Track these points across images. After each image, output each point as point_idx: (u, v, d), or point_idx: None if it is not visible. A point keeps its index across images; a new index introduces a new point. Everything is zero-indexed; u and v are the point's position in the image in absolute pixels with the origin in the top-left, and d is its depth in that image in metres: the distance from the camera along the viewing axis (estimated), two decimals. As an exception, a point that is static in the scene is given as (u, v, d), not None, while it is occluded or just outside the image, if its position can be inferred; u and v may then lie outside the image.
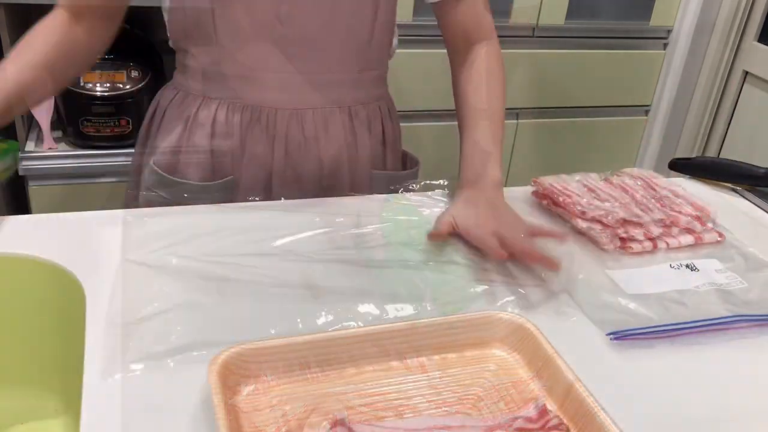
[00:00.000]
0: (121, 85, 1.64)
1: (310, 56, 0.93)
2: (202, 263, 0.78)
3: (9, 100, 0.82)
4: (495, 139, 0.94)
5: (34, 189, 1.68)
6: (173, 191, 0.95)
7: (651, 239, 0.88)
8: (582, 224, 0.88)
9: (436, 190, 0.98)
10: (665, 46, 2.26)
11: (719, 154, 2.28)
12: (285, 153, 0.96)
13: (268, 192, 0.98)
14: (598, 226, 0.86)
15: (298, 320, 0.70)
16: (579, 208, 0.89)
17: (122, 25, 1.71)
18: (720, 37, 2.18)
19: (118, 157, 1.69)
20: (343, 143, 0.98)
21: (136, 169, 1.05)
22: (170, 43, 0.99)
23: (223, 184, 0.97)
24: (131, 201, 1.04)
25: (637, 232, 0.87)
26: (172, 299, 0.72)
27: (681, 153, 2.35)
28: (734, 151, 2.22)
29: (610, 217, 0.86)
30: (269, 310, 0.72)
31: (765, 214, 1.01)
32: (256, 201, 0.93)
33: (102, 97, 1.64)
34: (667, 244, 0.88)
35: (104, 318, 0.68)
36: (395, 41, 1.02)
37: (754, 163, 1.07)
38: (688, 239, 0.89)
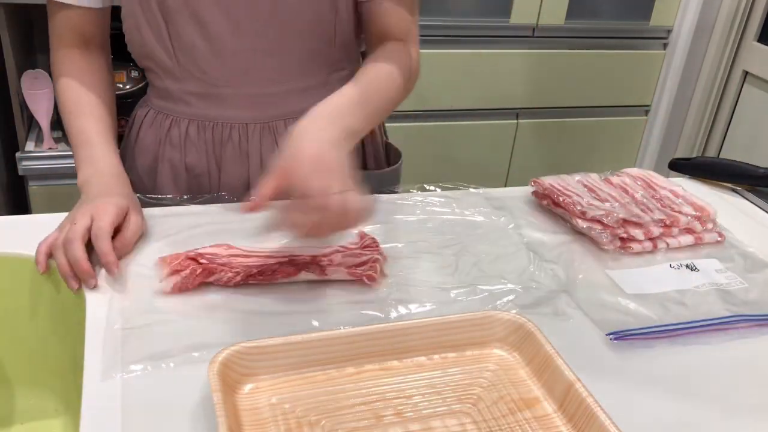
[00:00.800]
0: (121, 85, 1.64)
1: (270, 67, 0.90)
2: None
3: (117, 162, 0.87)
4: (362, 112, 0.80)
5: (34, 189, 1.68)
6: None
7: (651, 239, 0.88)
8: (582, 224, 0.88)
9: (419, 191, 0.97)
10: (665, 46, 2.26)
11: (719, 154, 2.28)
12: (260, 167, 0.93)
13: None
14: (598, 226, 0.86)
15: (298, 320, 0.70)
16: (579, 208, 0.89)
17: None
18: (720, 37, 2.18)
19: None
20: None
21: None
22: (137, 62, 0.96)
23: (200, 202, 0.92)
24: None
25: (637, 232, 0.87)
26: (172, 299, 0.72)
27: (681, 153, 2.35)
28: (734, 151, 2.22)
29: (610, 218, 0.86)
30: (270, 310, 0.72)
31: (765, 214, 1.01)
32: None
33: (102, 97, 1.64)
34: (667, 244, 0.88)
35: (104, 318, 0.68)
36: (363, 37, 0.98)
37: (754, 163, 1.07)
38: (688, 239, 0.89)
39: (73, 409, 0.78)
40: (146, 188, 0.97)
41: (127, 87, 1.65)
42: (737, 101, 2.22)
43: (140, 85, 1.65)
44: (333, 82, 0.94)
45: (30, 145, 1.68)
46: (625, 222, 0.87)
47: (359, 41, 0.98)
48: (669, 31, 2.23)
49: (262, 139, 0.93)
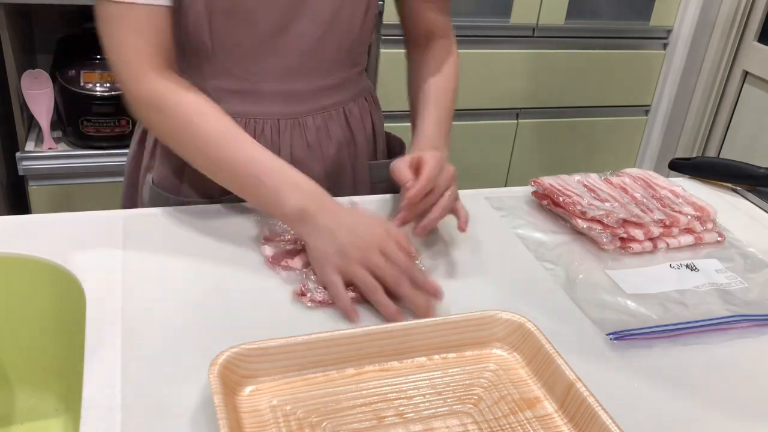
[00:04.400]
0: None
1: (308, 65, 0.92)
2: (203, 263, 0.78)
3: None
4: (444, 131, 0.95)
5: (34, 189, 1.69)
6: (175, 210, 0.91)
7: (651, 239, 0.88)
8: (582, 224, 0.88)
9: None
10: (665, 46, 2.26)
11: (719, 154, 2.28)
12: (290, 161, 0.91)
13: None
14: (598, 226, 0.86)
15: (299, 322, 0.70)
16: (579, 208, 0.89)
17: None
18: (720, 37, 2.18)
19: (118, 157, 1.69)
20: (342, 142, 0.98)
21: (131, 183, 1.01)
22: None
23: (228, 199, 0.91)
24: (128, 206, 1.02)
25: (637, 233, 0.87)
26: (173, 300, 0.72)
27: (681, 153, 2.35)
28: (734, 151, 2.23)
29: (610, 218, 0.86)
30: (270, 310, 0.72)
31: (765, 214, 1.01)
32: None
33: (102, 98, 1.64)
34: (667, 244, 0.88)
35: (104, 318, 0.68)
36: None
37: (754, 163, 1.07)
38: (688, 239, 0.89)
39: (73, 409, 0.78)
40: (173, 188, 0.94)
41: (127, 87, 1.65)
42: (737, 101, 2.22)
43: (140, 85, 1.65)
44: (353, 77, 0.99)
45: (30, 145, 1.68)
46: (625, 222, 0.87)
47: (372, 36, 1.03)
48: (669, 31, 2.23)
49: (292, 133, 0.94)
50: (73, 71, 1.64)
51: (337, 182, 0.99)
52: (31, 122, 1.74)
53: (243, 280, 0.76)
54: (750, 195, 1.05)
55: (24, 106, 1.66)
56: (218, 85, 0.90)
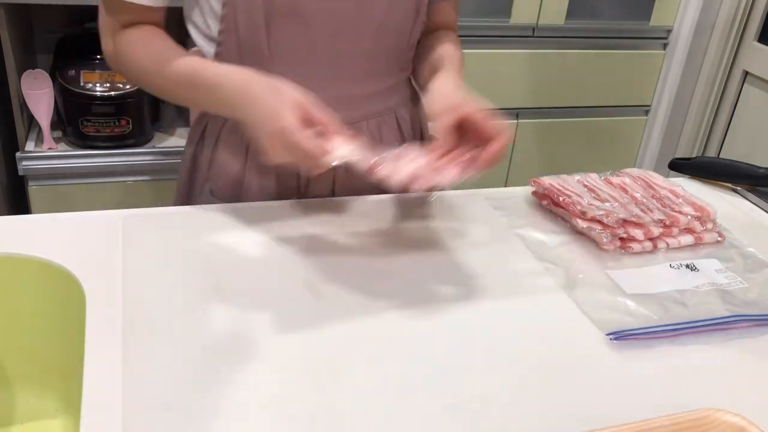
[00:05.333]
0: (121, 85, 1.64)
1: (361, 70, 0.93)
2: (203, 263, 0.78)
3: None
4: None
5: (34, 189, 1.68)
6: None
7: (651, 239, 0.88)
8: (582, 224, 0.88)
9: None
10: (665, 46, 2.26)
11: (719, 154, 2.28)
12: (347, 167, 0.94)
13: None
14: (598, 226, 0.86)
15: (300, 322, 0.70)
16: (579, 208, 0.89)
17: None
18: (720, 37, 2.18)
19: (118, 157, 1.69)
20: (395, 146, 0.98)
21: (187, 188, 1.01)
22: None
23: (287, 204, 0.93)
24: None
25: (637, 232, 0.87)
26: (173, 300, 0.72)
27: (681, 153, 2.35)
28: (734, 151, 2.22)
29: (610, 218, 0.86)
30: (271, 310, 0.72)
31: (765, 214, 1.01)
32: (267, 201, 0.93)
33: (102, 97, 1.64)
34: (667, 244, 0.88)
35: (104, 318, 0.68)
36: None
37: (754, 163, 1.07)
38: (688, 239, 0.89)
39: (73, 409, 0.78)
40: (230, 198, 0.95)
41: (127, 87, 1.65)
42: (737, 101, 2.22)
43: (140, 85, 1.65)
44: (401, 83, 1.00)
45: (30, 145, 1.68)
46: (625, 222, 0.87)
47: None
48: (669, 31, 2.23)
49: None
50: (73, 71, 1.64)
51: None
52: (31, 122, 1.74)
53: (243, 280, 0.76)
54: (750, 195, 1.05)
55: (24, 106, 1.66)
56: None
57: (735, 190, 1.07)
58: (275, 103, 0.74)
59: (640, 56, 2.23)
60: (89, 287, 0.72)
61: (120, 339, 0.65)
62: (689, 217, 0.90)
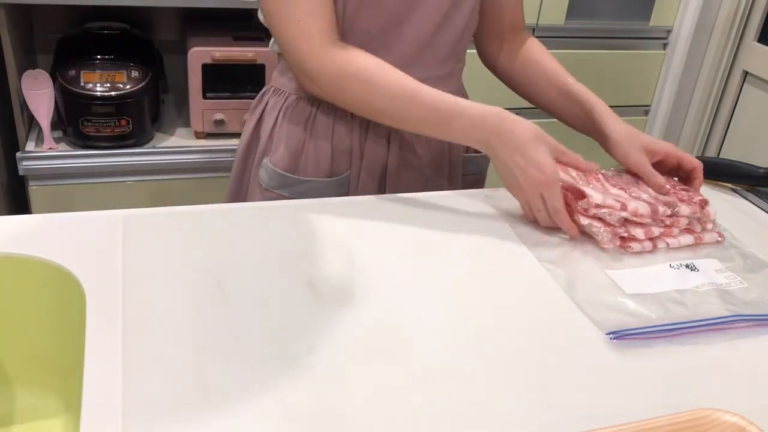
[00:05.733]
0: (121, 85, 1.64)
1: (423, 56, 0.98)
2: (203, 263, 0.78)
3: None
4: None
5: (34, 189, 1.69)
6: (295, 189, 1.01)
7: (651, 239, 0.88)
8: (583, 221, 0.87)
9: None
10: (665, 46, 2.26)
11: (719, 154, 2.28)
12: (399, 148, 1.02)
13: (382, 184, 1.05)
14: (599, 224, 0.86)
15: (301, 322, 0.70)
16: (583, 204, 0.88)
17: (122, 25, 1.71)
18: (720, 37, 2.18)
19: (118, 157, 1.69)
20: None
21: (241, 173, 1.09)
22: (272, 50, 1.02)
23: (341, 180, 1.03)
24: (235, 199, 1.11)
25: (638, 232, 0.87)
26: (173, 300, 0.72)
27: (681, 153, 2.34)
28: (734, 151, 2.22)
29: (612, 216, 0.86)
30: (271, 310, 0.72)
31: (765, 214, 1.01)
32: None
33: (102, 97, 1.64)
34: (668, 244, 0.88)
35: (104, 318, 0.68)
36: None
37: (754, 163, 1.07)
38: (688, 239, 0.89)
39: (73, 409, 0.78)
40: (291, 168, 1.02)
41: (128, 87, 1.65)
42: (737, 101, 2.22)
43: (140, 85, 1.65)
44: (456, 72, 1.06)
45: (30, 145, 1.68)
46: (627, 221, 0.87)
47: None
48: (669, 31, 2.23)
49: None
50: (73, 71, 1.64)
51: (435, 169, 1.06)
52: (31, 122, 1.74)
53: (244, 280, 0.76)
54: (750, 195, 1.05)
55: (24, 106, 1.66)
56: None
57: (735, 190, 1.07)
58: (543, 153, 0.87)
59: (640, 56, 2.23)
60: (89, 287, 0.72)
61: (120, 339, 0.65)
62: (690, 217, 0.90)
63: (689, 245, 0.89)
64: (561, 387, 0.65)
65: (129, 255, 0.78)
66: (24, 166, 1.64)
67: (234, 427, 0.58)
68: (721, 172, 1.08)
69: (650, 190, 0.94)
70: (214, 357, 0.64)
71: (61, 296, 0.75)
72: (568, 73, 1.10)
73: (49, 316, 0.78)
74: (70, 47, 1.71)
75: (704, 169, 0.98)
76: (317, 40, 0.89)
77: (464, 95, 1.12)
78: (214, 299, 0.72)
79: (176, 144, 1.77)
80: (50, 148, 1.68)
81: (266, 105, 1.06)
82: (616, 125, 1.01)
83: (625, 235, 0.87)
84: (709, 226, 0.91)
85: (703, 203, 0.91)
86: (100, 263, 0.75)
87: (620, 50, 2.19)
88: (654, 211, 0.88)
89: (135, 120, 1.68)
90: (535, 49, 1.10)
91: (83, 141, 1.68)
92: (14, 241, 0.78)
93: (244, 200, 1.09)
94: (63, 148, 1.70)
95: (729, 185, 1.07)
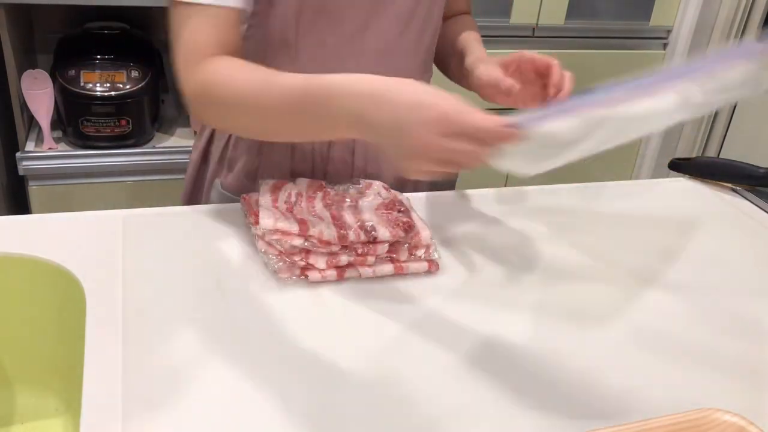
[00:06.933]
0: (121, 85, 1.64)
1: (382, 67, 0.88)
2: (203, 263, 0.78)
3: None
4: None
5: (34, 189, 1.68)
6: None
7: (337, 267, 0.77)
8: (260, 247, 0.77)
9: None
10: (665, 46, 2.26)
11: (719, 154, 2.28)
12: (365, 163, 0.95)
13: None
14: (273, 251, 0.76)
15: (302, 321, 0.70)
16: (263, 227, 0.76)
17: (122, 25, 1.70)
18: (720, 37, 2.18)
19: (118, 157, 1.69)
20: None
21: (195, 182, 1.02)
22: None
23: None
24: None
25: (319, 260, 0.76)
26: (173, 300, 0.72)
27: (681, 153, 2.35)
28: (734, 151, 2.22)
29: (283, 243, 0.75)
30: (271, 310, 0.72)
31: (765, 214, 1.01)
32: None
33: (102, 97, 1.64)
34: (360, 273, 0.77)
35: (104, 318, 0.68)
36: None
37: (754, 163, 1.07)
38: (386, 269, 0.78)
39: (73, 409, 0.78)
40: (240, 192, 0.91)
41: (128, 87, 1.65)
42: (737, 101, 2.22)
43: (140, 85, 1.65)
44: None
45: (30, 145, 1.68)
46: (307, 250, 0.76)
47: None
48: (669, 31, 2.23)
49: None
50: (73, 71, 1.64)
51: (403, 183, 0.98)
52: (31, 122, 1.74)
53: (243, 279, 0.76)
54: (750, 195, 1.05)
55: (24, 106, 1.66)
56: None
57: (735, 190, 1.07)
58: (424, 94, 0.64)
59: (640, 56, 2.23)
60: (89, 287, 0.72)
61: (120, 339, 0.65)
62: (387, 245, 0.78)
63: (388, 275, 0.78)
64: (561, 387, 0.65)
65: (129, 255, 0.78)
66: (24, 166, 1.64)
67: (234, 427, 0.58)
68: (721, 172, 1.08)
69: (365, 214, 0.82)
70: (213, 357, 0.64)
71: (61, 296, 0.75)
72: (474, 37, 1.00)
73: (48, 316, 0.78)
74: (70, 47, 1.71)
75: (704, 169, 0.98)
76: (191, 59, 0.77)
77: None
78: (213, 299, 0.72)
79: (176, 144, 1.77)
80: (50, 148, 1.68)
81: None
82: (475, 59, 0.94)
83: (303, 263, 0.76)
84: (420, 252, 0.79)
85: (407, 226, 0.79)
86: (100, 263, 0.75)
87: (620, 50, 2.19)
88: (342, 237, 0.76)
89: (135, 120, 1.68)
90: (455, 28, 1.01)
91: (83, 141, 1.68)
92: (14, 241, 0.78)
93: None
94: (63, 148, 1.70)
95: (729, 185, 1.07)
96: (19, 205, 1.81)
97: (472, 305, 0.75)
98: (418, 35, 0.94)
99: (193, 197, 1.03)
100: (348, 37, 0.88)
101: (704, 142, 2.32)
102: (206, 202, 0.99)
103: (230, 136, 0.96)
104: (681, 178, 1.10)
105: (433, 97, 0.63)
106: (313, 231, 0.76)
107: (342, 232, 0.77)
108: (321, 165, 0.95)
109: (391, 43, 0.91)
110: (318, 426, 0.58)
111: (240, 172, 0.95)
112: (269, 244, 0.76)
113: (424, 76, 0.99)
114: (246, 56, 0.80)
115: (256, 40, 0.88)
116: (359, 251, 0.77)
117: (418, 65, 0.97)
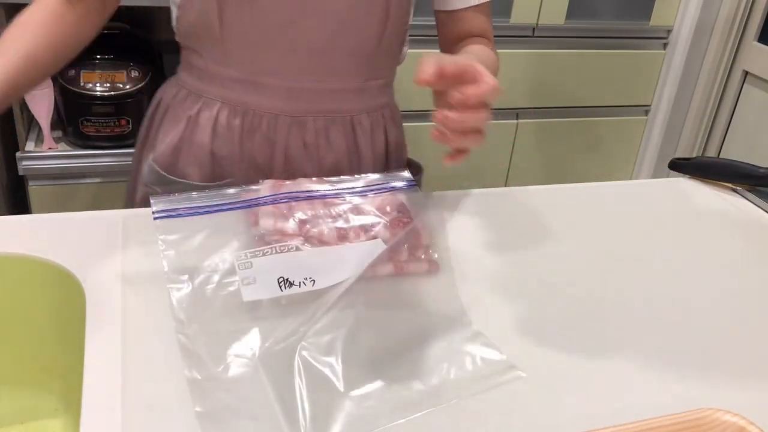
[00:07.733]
0: (121, 85, 1.64)
1: (316, 65, 0.92)
2: (203, 262, 0.78)
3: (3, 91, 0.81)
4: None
5: (34, 189, 1.68)
6: (171, 189, 0.93)
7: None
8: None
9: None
10: (665, 46, 2.26)
11: (719, 154, 2.28)
12: (285, 159, 0.96)
13: None
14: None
15: (300, 322, 0.70)
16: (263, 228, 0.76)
17: (122, 25, 1.70)
18: (720, 37, 2.18)
19: (118, 157, 1.69)
20: (344, 150, 0.97)
21: (136, 165, 1.05)
22: (177, 38, 0.98)
23: (222, 186, 0.93)
24: (130, 196, 1.06)
25: None
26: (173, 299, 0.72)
27: (681, 153, 2.35)
28: (734, 151, 2.23)
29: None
30: (271, 309, 0.72)
31: (765, 214, 1.01)
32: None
33: (102, 97, 1.64)
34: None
35: (104, 318, 0.68)
36: (405, 48, 1.01)
37: (754, 163, 1.07)
38: (386, 269, 0.76)
39: (73, 409, 0.78)
40: (169, 168, 0.97)
41: (127, 87, 1.65)
42: (737, 101, 2.22)
43: (140, 85, 1.65)
44: (369, 89, 0.97)
45: (30, 145, 1.68)
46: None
47: (402, 51, 1.01)
48: (669, 31, 2.23)
49: (289, 131, 0.94)
50: (73, 71, 1.64)
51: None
52: (31, 122, 1.74)
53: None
54: (750, 195, 1.05)
55: (24, 106, 1.66)
56: (223, 72, 0.92)
57: (735, 190, 1.07)
58: None
59: (640, 56, 2.23)
60: (89, 287, 0.72)
61: (120, 339, 0.65)
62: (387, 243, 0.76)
63: (388, 275, 0.76)
64: (560, 386, 0.65)
65: (129, 255, 0.78)
66: (24, 166, 1.64)
67: (234, 427, 0.58)
68: (721, 172, 1.08)
69: (365, 214, 0.80)
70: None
71: (61, 296, 0.75)
72: (479, 51, 0.94)
73: (48, 316, 0.78)
74: (70, 47, 1.71)
75: (704, 169, 0.98)
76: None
77: (392, 116, 1.04)
78: (214, 299, 0.72)
79: (176, 144, 1.77)
80: (50, 148, 1.68)
81: (161, 97, 1.01)
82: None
83: None
84: (420, 253, 0.79)
85: (406, 225, 0.78)
86: (100, 263, 0.75)
87: (620, 50, 2.19)
88: (342, 237, 0.76)
89: (135, 120, 1.68)
90: (464, 44, 0.98)
91: (83, 141, 1.68)
92: (14, 241, 0.78)
93: (133, 196, 1.03)
94: (63, 148, 1.70)
95: (729, 185, 1.07)
96: (19, 205, 1.81)
97: (472, 305, 0.75)
98: (357, 39, 0.92)
99: (135, 175, 1.05)
100: (273, 31, 0.88)
101: (704, 142, 2.32)
102: (142, 179, 1.00)
103: (165, 112, 0.98)
104: (681, 178, 1.10)
105: None
106: (313, 231, 0.76)
107: (342, 232, 0.76)
108: (239, 149, 0.95)
109: (324, 43, 0.90)
110: (318, 426, 0.58)
111: (167, 146, 0.97)
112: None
113: (370, 84, 0.97)
114: (179, 38, 0.92)
115: (186, 15, 0.90)
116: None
117: (360, 69, 0.95)
